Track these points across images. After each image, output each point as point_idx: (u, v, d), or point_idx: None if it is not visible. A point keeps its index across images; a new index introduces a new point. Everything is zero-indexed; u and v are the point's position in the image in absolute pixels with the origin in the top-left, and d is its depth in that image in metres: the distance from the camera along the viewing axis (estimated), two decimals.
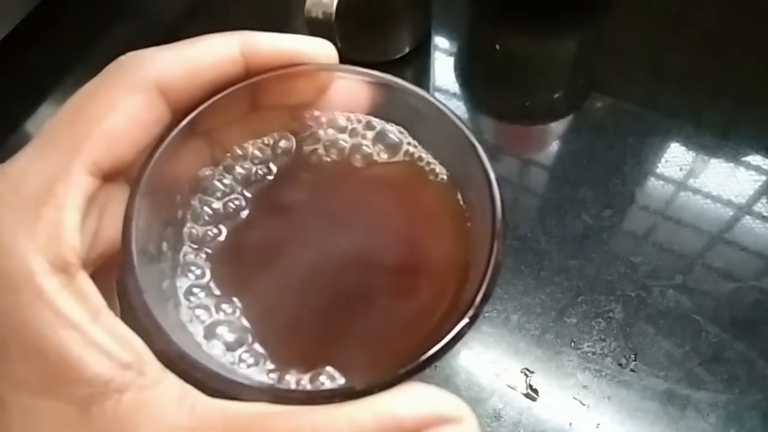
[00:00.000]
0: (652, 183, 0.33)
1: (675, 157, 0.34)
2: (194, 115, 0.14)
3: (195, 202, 0.15)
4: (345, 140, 0.16)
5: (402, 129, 0.16)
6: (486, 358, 0.28)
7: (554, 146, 0.36)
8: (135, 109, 0.13)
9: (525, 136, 0.37)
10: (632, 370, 0.27)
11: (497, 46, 0.39)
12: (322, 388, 0.13)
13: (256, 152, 0.16)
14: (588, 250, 0.30)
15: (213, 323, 0.14)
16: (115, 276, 0.14)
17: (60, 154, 0.12)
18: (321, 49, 0.15)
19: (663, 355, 0.28)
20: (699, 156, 0.34)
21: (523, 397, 0.27)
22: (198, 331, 0.13)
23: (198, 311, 0.14)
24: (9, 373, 0.11)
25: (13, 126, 0.37)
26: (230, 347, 0.13)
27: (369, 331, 0.14)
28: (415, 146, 0.16)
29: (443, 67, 0.39)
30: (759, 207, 0.32)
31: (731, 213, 0.32)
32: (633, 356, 0.28)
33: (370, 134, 0.16)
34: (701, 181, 0.33)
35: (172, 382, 0.11)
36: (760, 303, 0.29)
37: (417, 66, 0.38)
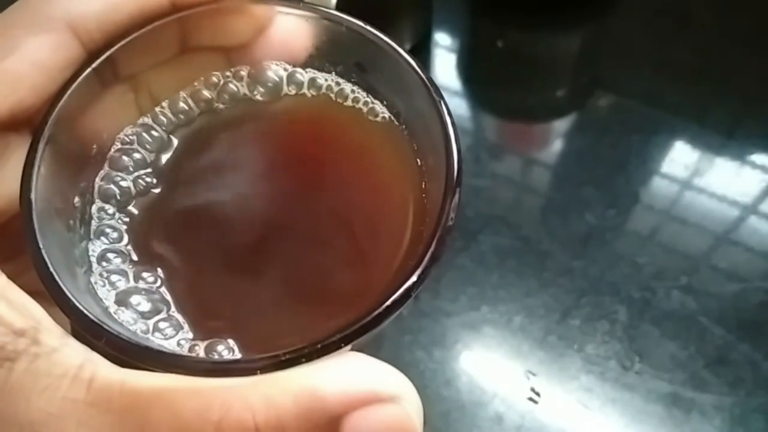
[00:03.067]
0: (657, 182, 0.33)
1: (680, 156, 0.33)
2: (110, 53, 0.12)
3: (114, 154, 0.13)
4: (278, 86, 0.15)
5: (343, 79, 0.14)
6: (488, 361, 0.28)
7: (557, 145, 0.35)
8: (38, 52, 0.12)
9: (527, 135, 0.36)
10: (636, 373, 0.27)
11: (499, 44, 0.38)
12: (241, 357, 0.11)
13: (183, 105, 0.14)
14: (592, 250, 0.30)
15: (127, 290, 0.12)
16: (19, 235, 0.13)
17: None
18: None
19: (668, 357, 0.27)
20: (704, 155, 0.34)
21: (526, 400, 0.27)
22: (109, 297, 0.12)
23: (113, 277, 0.12)
24: None
25: None
26: (145, 315, 0.12)
27: (302, 299, 0.13)
28: (356, 91, 0.14)
29: (444, 65, 0.38)
30: (765, 206, 0.32)
31: (737, 213, 0.31)
32: (637, 358, 0.27)
33: (304, 79, 0.15)
34: (706, 181, 0.32)
35: (71, 350, 0.10)
36: (766, 304, 0.29)
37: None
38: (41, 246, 0.11)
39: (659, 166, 0.33)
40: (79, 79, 0.12)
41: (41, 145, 0.11)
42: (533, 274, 0.30)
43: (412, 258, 0.11)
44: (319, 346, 0.10)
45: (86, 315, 0.10)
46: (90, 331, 0.10)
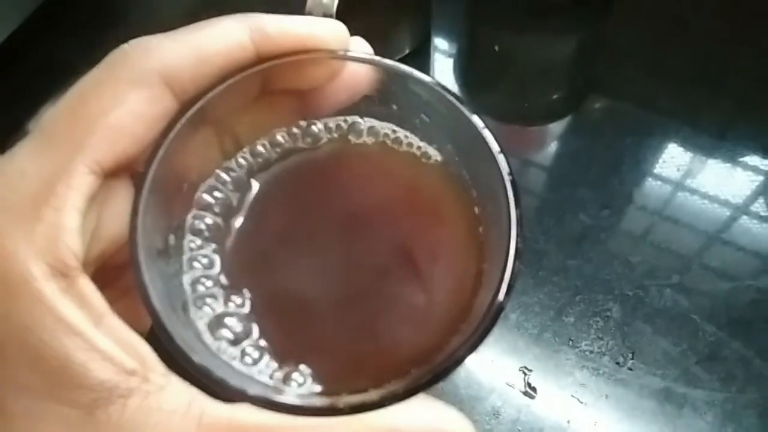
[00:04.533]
0: (650, 183, 0.33)
1: (673, 158, 0.34)
2: (202, 104, 0.13)
3: (202, 194, 0.15)
4: (351, 133, 0.16)
5: (401, 128, 0.16)
6: (485, 357, 0.28)
7: (553, 147, 0.36)
8: (139, 105, 0.12)
9: (524, 137, 0.37)
10: (630, 369, 0.28)
11: (496, 48, 0.39)
12: (333, 401, 0.12)
13: (261, 149, 0.16)
14: (586, 249, 0.31)
15: (220, 315, 0.13)
16: (119, 275, 0.14)
17: (61, 151, 0.11)
18: (332, 32, 0.14)
19: (660, 353, 0.28)
20: (696, 156, 0.34)
21: (522, 395, 0.27)
22: (204, 324, 0.13)
23: (207, 301, 0.13)
24: (9, 378, 0.10)
25: (14, 128, 0.37)
26: (234, 341, 0.13)
27: (374, 337, 0.14)
28: (409, 137, 0.16)
29: (443, 68, 0.39)
30: (756, 207, 0.32)
31: (728, 213, 0.32)
32: (630, 355, 0.28)
33: (363, 127, 0.16)
34: (699, 182, 0.33)
35: (177, 388, 0.11)
36: (756, 302, 0.29)
37: (416, 67, 0.37)
38: (147, 285, 0.11)
39: (652, 167, 0.34)
40: (175, 129, 0.13)
41: (145, 194, 0.12)
42: (529, 273, 0.30)
43: (474, 305, 0.12)
44: (401, 392, 0.11)
45: (191, 358, 0.11)
46: (199, 372, 0.11)
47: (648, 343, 0.28)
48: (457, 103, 0.14)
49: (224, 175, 0.15)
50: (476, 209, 0.15)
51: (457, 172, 0.15)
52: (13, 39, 0.38)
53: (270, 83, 0.15)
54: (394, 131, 0.16)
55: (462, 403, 0.27)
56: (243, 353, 0.13)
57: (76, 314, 0.11)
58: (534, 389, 0.27)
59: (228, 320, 0.13)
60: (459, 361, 0.11)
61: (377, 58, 0.15)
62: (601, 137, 0.35)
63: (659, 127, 0.35)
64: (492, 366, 0.28)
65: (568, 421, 0.26)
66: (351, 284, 0.15)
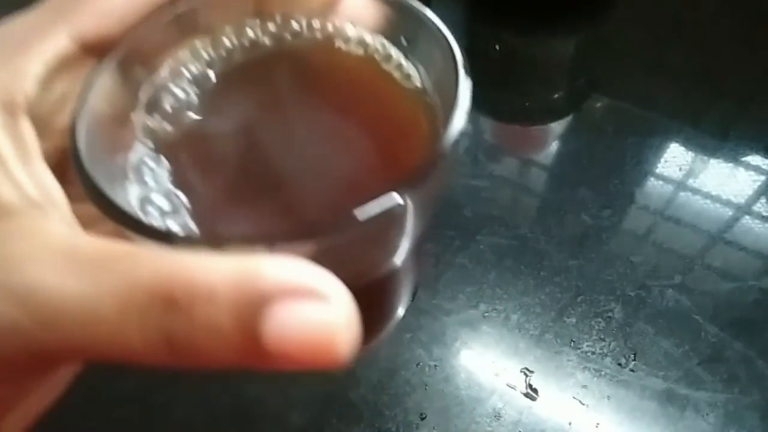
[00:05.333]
0: (652, 183, 0.33)
1: (674, 158, 0.34)
2: (184, 7, 0.14)
3: (162, 83, 0.15)
4: (329, 36, 0.15)
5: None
6: (486, 358, 0.28)
7: (554, 146, 0.36)
8: None
9: (524, 137, 0.37)
10: (631, 370, 0.27)
11: (497, 47, 0.39)
12: (206, 235, 0.12)
13: (227, 41, 0.15)
14: (587, 250, 0.31)
15: (150, 192, 0.13)
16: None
17: (48, 17, 0.13)
18: None
19: (662, 354, 0.28)
20: (698, 156, 0.34)
21: (523, 397, 0.27)
22: (134, 195, 0.13)
23: (145, 179, 0.13)
24: None
25: None
26: (161, 214, 0.13)
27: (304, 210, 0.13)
28: (398, 56, 0.15)
29: None
30: (758, 207, 0.32)
31: (730, 213, 0.32)
32: (632, 356, 0.28)
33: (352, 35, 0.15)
34: (700, 181, 0.33)
35: (71, 224, 0.11)
36: (759, 302, 0.29)
37: None
38: (79, 136, 0.12)
39: (654, 167, 0.34)
40: (157, 17, 0.13)
41: (112, 59, 0.13)
42: (530, 273, 0.30)
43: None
44: (279, 238, 0.10)
45: (90, 177, 0.11)
46: (85, 185, 0.11)
47: (650, 344, 0.28)
48: (437, 26, 0.14)
49: (185, 69, 0.15)
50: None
51: (432, 102, 0.15)
52: None
53: (265, 3, 0.15)
54: (384, 46, 0.15)
55: (462, 404, 0.27)
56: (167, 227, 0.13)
57: (5, 144, 0.12)
58: (535, 391, 0.27)
59: (156, 196, 0.13)
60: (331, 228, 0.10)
61: None
62: (603, 137, 0.35)
63: (661, 126, 0.35)
64: (493, 367, 0.28)
65: (570, 423, 0.26)
66: (294, 180, 0.14)
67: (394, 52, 0.15)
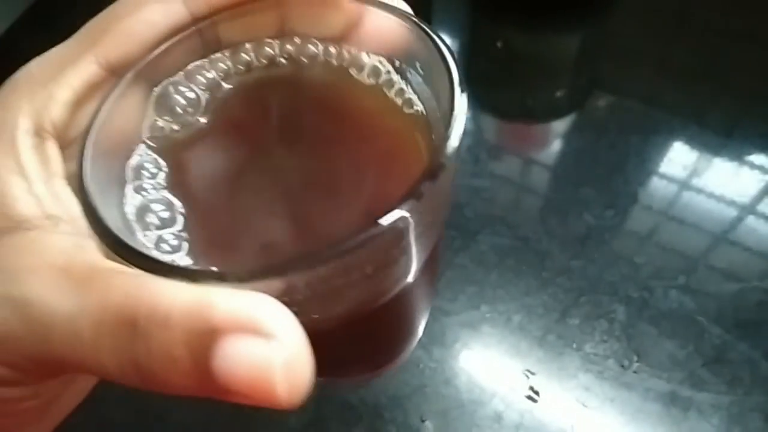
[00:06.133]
0: (655, 182, 0.33)
1: (678, 156, 0.33)
2: (209, 21, 0.14)
3: (175, 84, 0.15)
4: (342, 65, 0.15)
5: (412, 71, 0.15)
6: (487, 360, 0.28)
7: (556, 145, 0.35)
8: (153, 15, 0.14)
9: (526, 135, 0.36)
10: (635, 372, 0.27)
11: (498, 44, 0.39)
12: (182, 265, 0.12)
13: (245, 55, 0.15)
14: (590, 250, 0.30)
15: (147, 203, 0.14)
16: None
17: (79, 44, 0.14)
18: None
19: (666, 356, 0.27)
20: (702, 155, 0.34)
21: (525, 399, 0.27)
22: (131, 209, 0.13)
23: (142, 192, 0.14)
24: None
25: None
26: (158, 226, 0.13)
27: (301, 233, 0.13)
28: (399, 79, 0.15)
29: None
30: (763, 207, 0.32)
31: (735, 213, 0.32)
32: (635, 358, 0.27)
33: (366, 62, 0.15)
34: (704, 181, 0.32)
35: (79, 239, 0.12)
36: (763, 304, 0.29)
37: None
38: (86, 158, 0.12)
39: (657, 166, 0.33)
40: (178, 37, 0.14)
41: (128, 78, 0.14)
42: (532, 274, 0.30)
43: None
44: (252, 272, 0.10)
45: (96, 209, 0.12)
46: (91, 216, 0.11)
47: (653, 346, 0.28)
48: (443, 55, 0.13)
49: (197, 74, 0.15)
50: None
51: (434, 123, 0.15)
52: (6, 37, 0.37)
53: (287, 23, 0.15)
54: (390, 73, 0.15)
55: (463, 406, 0.27)
56: (160, 239, 0.13)
57: (31, 165, 0.13)
58: (537, 393, 0.27)
59: (155, 206, 0.14)
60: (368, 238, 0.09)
61: (398, 9, 0.14)
62: (606, 135, 0.34)
63: (665, 124, 0.34)
64: (494, 369, 0.27)
65: (572, 426, 0.26)
66: (291, 197, 0.14)
67: (398, 79, 0.15)
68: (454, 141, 0.11)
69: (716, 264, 0.30)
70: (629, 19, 0.39)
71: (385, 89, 0.15)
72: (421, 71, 0.15)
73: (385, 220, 0.10)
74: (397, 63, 0.15)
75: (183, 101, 0.15)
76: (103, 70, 0.14)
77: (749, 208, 0.32)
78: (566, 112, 0.36)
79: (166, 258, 0.13)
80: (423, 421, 0.26)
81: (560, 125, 0.36)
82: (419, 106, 0.15)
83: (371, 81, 0.15)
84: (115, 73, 0.14)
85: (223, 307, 0.09)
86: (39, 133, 0.13)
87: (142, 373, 0.10)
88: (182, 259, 0.13)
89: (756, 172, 0.33)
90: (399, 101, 0.15)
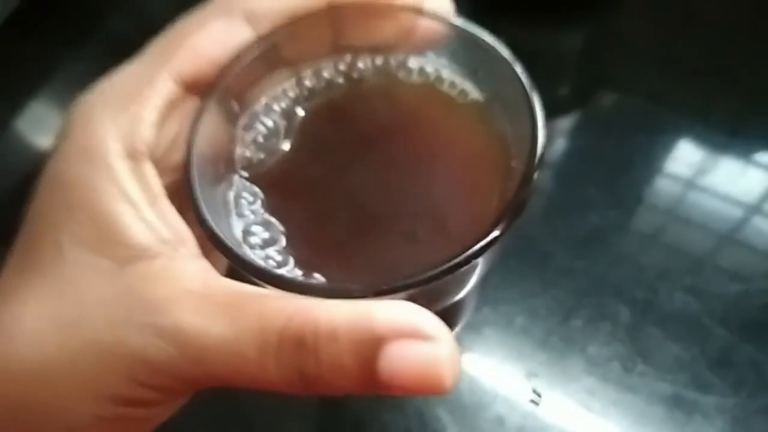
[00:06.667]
0: (661, 182, 0.32)
1: (684, 155, 0.33)
2: (274, 37, 0.15)
3: (255, 117, 0.16)
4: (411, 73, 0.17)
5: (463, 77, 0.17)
6: (489, 362, 0.27)
7: (560, 144, 0.35)
8: (219, 32, 0.15)
9: None
10: (639, 374, 0.27)
11: (501, 41, 0.38)
12: (322, 284, 0.14)
13: (308, 82, 0.17)
14: (594, 251, 0.30)
15: (250, 223, 0.15)
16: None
17: (150, 63, 0.14)
18: None
19: (670, 358, 0.27)
20: (708, 154, 0.33)
21: (527, 402, 0.26)
22: (238, 228, 0.15)
23: (244, 212, 0.15)
24: (71, 230, 0.13)
25: (1, 122, 0.36)
26: (267, 243, 0.15)
27: (398, 256, 0.15)
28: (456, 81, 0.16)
29: None
30: None
31: (741, 213, 0.31)
32: (640, 360, 0.27)
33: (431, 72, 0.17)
34: (710, 180, 0.32)
35: (201, 261, 0.13)
36: None
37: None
38: (194, 179, 0.13)
39: (663, 165, 0.33)
40: (247, 55, 0.15)
41: (211, 100, 0.14)
42: (535, 275, 0.29)
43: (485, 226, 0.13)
44: (381, 288, 0.12)
45: (216, 233, 0.13)
46: (215, 243, 0.13)
47: (658, 348, 0.27)
48: (509, 63, 0.15)
49: (273, 104, 0.17)
50: (513, 162, 0.15)
51: (499, 120, 0.16)
52: (2, 30, 0.37)
53: (341, 35, 0.16)
54: (437, 70, 0.17)
55: (465, 409, 0.26)
56: (267, 256, 0.14)
57: (134, 189, 0.13)
58: (540, 395, 0.27)
59: (256, 228, 0.15)
60: (473, 255, 0.12)
61: (448, 18, 0.16)
62: (610, 134, 0.34)
63: (670, 123, 0.34)
64: (496, 372, 0.27)
65: (576, 429, 0.26)
66: (378, 207, 0.15)
67: (467, 85, 0.17)
68: (536, 175, 0.13)
69: (722, 265, 0.29)
70: (634, 16, 0.39)
71: (455, 96, 0.16)
72: (481, 77, 0.16)
73: (481, 246, 0.12)
74: (448, 65, 0.17)
75: (265, 130, 0.16)
76: (179, 87, 0.14)
77: (755, 208, 0.31)
78: (570, 111, 0.36)
79: (302, 279, 0.14)
80: (424, 425, 0.26)
81: (564, 123, 0.35)
82: (478, 97, 0.16)
83: (440, 88, 0.17)
84: (189, 89, 0.14)
85: (383, 318, 0.11)
86: (133, 155, 0.13)
87: (308, 380, 0.11)
88: (293, 272, 0.14)
89: (762, 170, 0.32)
90: (473, 113, 0.16)
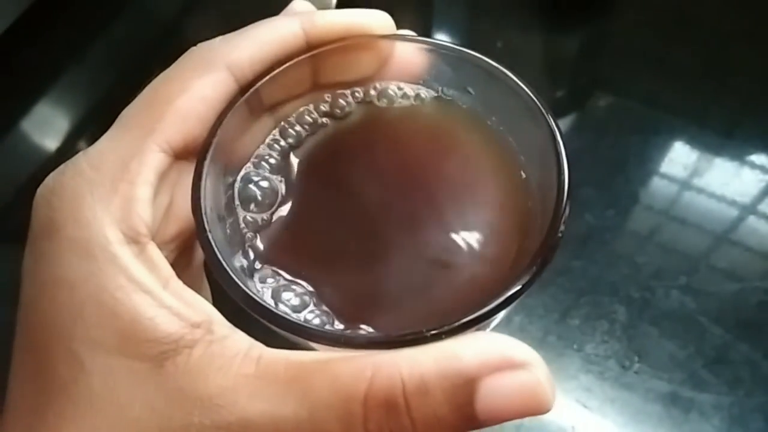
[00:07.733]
0: (656, 182, 0.33)
1: (679, 156, 0.33)
2: (257, 86, 0.14)
3: (250, 169, 0.16)
4: (398, 100, 0.17)
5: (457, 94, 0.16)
6: None
7: None
8: (203, 89, 0.14)
9: None
10: (635, 372, 0.27)
11: (499, 44, 0.38)
12: (390, 333, 0.13)
13: (291, 129, 0.16)
14: (591, 250, 0.30)
15: (278, 288, 0.14)
16: (194, 252, 0.15)
17: (135, 134, 0.13)
18: (378, 20, 0.15)
19: (667, 356, 0.27)
20: (703, 155, 0.34)
21: None
22: (268, 298, 0.14)
23: (264, 279, 0.14)
24: (86, 336, 0.11)
25: (8, 124, 0.36)
26: (295, 309, 0.14)
27: (427, 292, 0.14)
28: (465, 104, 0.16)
29: None
30: (763, 207, 0.32)
31: (736, 213, 0.31)
32: (636, 358, 0.27)
33: (426, 97, 0.16)
34: (705, 181, 0.32)
35: (239, 336, 0.12)
36: (764, 304, 0.29)
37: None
38: (214, 244, 0.12)
39: (658, 166, 0.33)
40: (233, 108, 0.14)
41: (207, 163, 0.13)
42: None
43: (523, 259, 0.13)
44: (456, 324, 0.11)
45: (260, 302, 0.12)
46: (264, 316, 0.12)
47: (654, 346, 0.28)
48: (508, 75, 0.15)
49: (271, 148, 0.16)
50: (523, 174, 0.15)
51: (500, 136, 0.16)
52: (6, 37, 0.37)
53: (321, 74, 0.16)
54: (421, 95, 0.16)
55: None
56: (305, 320, 0.14)
57: (145, 276, 0.12)
58: None
59: (286, 294, 0.14)
60: (514, 296, 0.12)
61: (422, 38, 0.15)
62: (606, 136, 0.34)
63: (665, 125, 0.34)
64: None
65: (573, 427, 0.26)
66: (402, 245, 0.15)
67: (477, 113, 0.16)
68: (562, 226, 0.13)
69: (717, 264, 0.30)
70: (630, 20, 0.39)
71: (447, 118, 0.16)
72: (481, 99, 0.16)
73: (512, 294, 0.12)
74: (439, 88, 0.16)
75: (260, 192, 0.15)
76: (168, 157, 0.13)
77: (750, 208, 0.32)
78: (566, 113, 0.36)
79: (371, 333, 0.13)
80: None
81: (561, 125, 0.36)
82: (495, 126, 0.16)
83: (436, 111, 0.16)
84: (179, 156, 0.13)
85: (469, 356, 0.10)
86: (135, 239, 0.12)
87: None
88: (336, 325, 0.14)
89: (756, 171, 0.33)
90: (476, 133, 0.16)
